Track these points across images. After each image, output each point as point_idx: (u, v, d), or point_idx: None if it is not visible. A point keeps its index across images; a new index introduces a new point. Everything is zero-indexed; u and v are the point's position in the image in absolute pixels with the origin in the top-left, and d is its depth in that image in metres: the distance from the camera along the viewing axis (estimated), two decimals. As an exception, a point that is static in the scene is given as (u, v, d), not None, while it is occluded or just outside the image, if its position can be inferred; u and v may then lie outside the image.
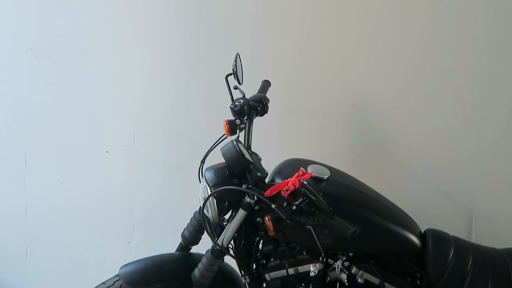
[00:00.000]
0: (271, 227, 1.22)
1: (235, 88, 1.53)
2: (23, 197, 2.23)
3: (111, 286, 1.43)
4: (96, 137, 2.17)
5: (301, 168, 1.29)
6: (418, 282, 1.34)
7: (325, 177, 1.36)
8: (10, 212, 2.25)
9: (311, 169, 1.36)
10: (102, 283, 1.47)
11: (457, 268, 1.28)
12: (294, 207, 1.17)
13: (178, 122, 2.13)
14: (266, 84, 1.67)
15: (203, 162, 1.52)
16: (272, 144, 1.96)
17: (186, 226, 1.59)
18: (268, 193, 1.23)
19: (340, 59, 1.95)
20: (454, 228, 1.81)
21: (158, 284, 1.46)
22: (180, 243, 1.60)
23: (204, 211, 1.37)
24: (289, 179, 1.22)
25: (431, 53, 1.86)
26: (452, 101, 1.87)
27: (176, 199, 2.16)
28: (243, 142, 1.46)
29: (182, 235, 1.59)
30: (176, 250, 1.60)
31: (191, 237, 1.57)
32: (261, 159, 1.48)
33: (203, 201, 1.31)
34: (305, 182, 1.15)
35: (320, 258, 1.29)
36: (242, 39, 1.99)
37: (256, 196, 1.26)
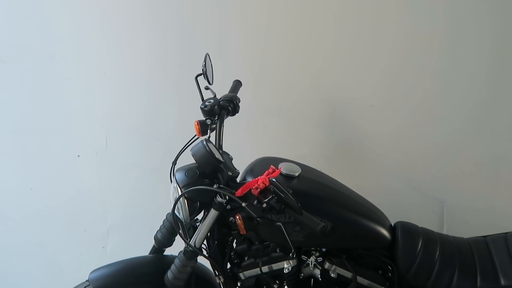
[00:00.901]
0: (242, 226, 1.22)
1: (206, 88, 1.52)
2: (-10, 203, 2.16)
3: (82, 292, 1.41)
4: (67, 142, 2.12)
5: (272, 166, 1.29)
6: (389, 274, 1.36)
7: (296, 174, 1.37)
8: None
9: (282, 167, 1.37)
10: (74, 288, 1.44)
11: (425, 259, 1.30)
12: (264, 205, 1.17)
13: (151, 124, 2.11)
14: (237, 84, 1.67)
15: (174, 163, 1.51)
16: (246, 144, 1.97)
17: (158, 228, 1.58)
18: (239, 192, 1.23)
19: (312, 58, 1.97)
20: (426, 220, 1.86)
21: (130, 287, 1.44)
22: (153, 246, 1.58)
23: (176, 212, 1.35)
24: (259, 177, 1.22)
25: (400, 52, 1.91)
26: (421, 97, 1.92)
27: (151, 202, 2.13)
28: (214, 142, 1.46)
29: (155, 238, 1.57)
30: (150, 253, 1.58)
31: (164, 239, 1.55)
32: (232, 159, 1.48)
33: (174, 202, 1.30)
34: (273, 179, 1.15)
35: (291, 254, 1.29)
36: (214, 39, 1.99)
37: (227, 196, 1.26)
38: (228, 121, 1.82)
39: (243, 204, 1.19)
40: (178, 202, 1.32)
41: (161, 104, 2.08)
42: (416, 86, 1.91)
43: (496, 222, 1.48)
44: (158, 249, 1.58)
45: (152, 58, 2.03)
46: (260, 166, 1.39)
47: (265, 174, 1.25)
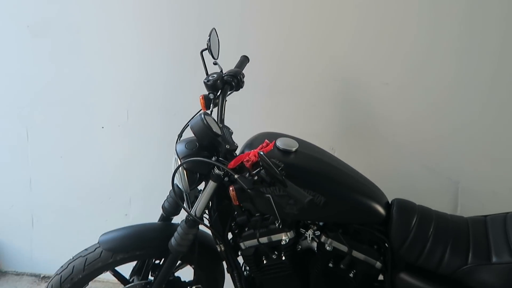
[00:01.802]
0: (235, 197, 1.27)
1: (215, 63, 1.55)
2: (27, 170, 2.36)
3: (91, 252, 1.53)
4: (92, 114, 2.25)
5: (266, 140, 1.32)
6: (383, 249, 1.37)
7: (293, 149, 1.38)
8: (16, 184, 2.38)
9: (279, 142, 1.39)
10: (85, 249, 1.56)
11: (418, 235, 1.30)
12: (256, 177, 1.21)
13: (170, 99, 2.18)
14: (244, 60, 1.69)
15: (180, 136, 1.57)
16: (260, 122, 1.99)
17: (166, 198, 1.67)
18: (231, 164, 1.27)
19: (326, 35, 1.93)
20: (440, 202, 1.84)
21: (137, 251, 1.54)
22: (162, 214, 1.68)
23: (177, 182, 1.42)
24: (252, 150, 1.25)
25: (416, 29, 1.82)
26: (437, 75, 1.84)
27: (169, 173, 2.21)
28: (216, 116, 1.50)
29: (163, 207, 1.66)
30: (158, 221, 1.68)
31: (171, 208, 1.64)
32: (232, 133, 1.51)
33: (173, 172, 1.36)
34: (261, 153, 1.18)
35: (277, 225, 1.32)
36: (231, 16, 1.99)
37: (221, 167, 1.31)
38: (241, 98, 1.86)
39: (236, 176, 1.23)
40: (178, 173, 1.39)
41: (179, 80, 2.14)
42: (432, 64, 1.83)
43: (513, 205, 1.43)
44: (166, 218, 1.68)
45: (173, 36, 2.08)
46: (259, 140, 1.41)
47: (259, 148, 1.29)
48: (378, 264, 1.36)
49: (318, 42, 1.94)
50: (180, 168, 1.37)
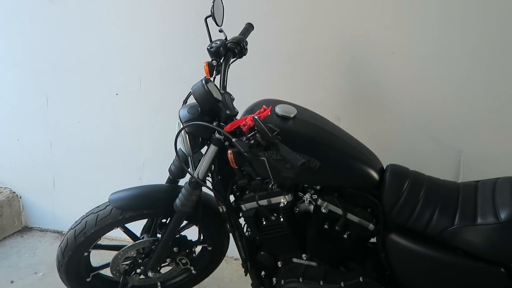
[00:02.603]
0: (233, 160, 1.33)
1: (220, 31, 1.58)
2: (47, 134, 2.50)
3: (102, 209, 1.64)
4: (106, 81, 2.33)
5: (264, 106, 1.36)
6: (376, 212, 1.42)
7: (292, 115, 1.43)
8: (37, 147, 2.54)
9: (278, 108, 1.43)
10: (96, 207, 1.68)
11: (409, 198, 1.35)
12: (252, 141, 1.27)
13: (181, 67, 2.22)
14: (248, 27, 1.71)
15: (185, 102, 1.63)
16: (265, 91, 2.00)
17: (172, 162, 1.75)
18: (227, 128, 1.33)
19: (333, 4, 1.92)
20: (442, 169, 1.86)
21: (145, 210, 1.65)
22: (169, 177, 1.77)
23: (180, 146, 1.50)
24: (249, 115, 1.30)
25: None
26: (444, 45, 1.81)
27: (179, 140, 2.31)
28: (219, 83, 1.55)
29: (169, 170, 1.75)
30: (165, 183, 1.78)
31: (177, 171, 1.73)
32: (234, 99, 1.56)
33: (175, 136, 1.43)
34: (256, 117, 1.23)
35: (270, 186, 1.37)
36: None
37: (221, 132, 1.37)
38: (248, 67, 1.90)
39: (233, 140, 1.29)
40: (181, 136, 1.46)
41: (191, 48, 2.17)
42: (438, 34, 1.80)
43: (516, 171, 1.43)
44: (172, 180, 1.77)
45: (185, 3, 2.10)
46: (259, 106, 1.45)
47: (256, 113, 1.33)
48: (371, 226, 1.42)
49: (325, 11, 1.93)
50: (182, 132, 1.44)
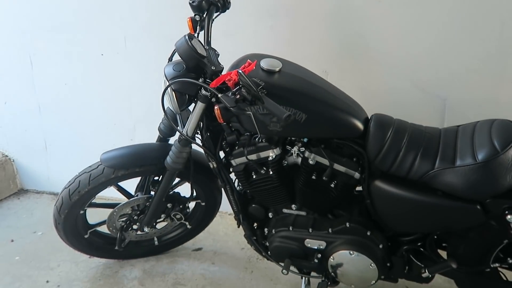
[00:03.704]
0: (219, 115, 1.35)
1: None
2: (34, 97, 2.48)
3: (95, 169, 1.68)
4: (91, 41, 2.28)
5: (248, 60, 1.36)
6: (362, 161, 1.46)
7: (277, 69, 1.43)
8: (26, 110, 2.52)
9: (263, 62, 1.43)
10: (89, 166, 1.72)
11: (392, 145, 1.38)
12: (238, 96, 1.27)
13: (165, 25, 2.17)
14: (230, -21, 1.66)
15: (170, 59, 1.62)
16: (251, 46, 1.98)
17: (161, 120, 1.76)
18: (213, 84, 1.33)
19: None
20: (427, 117, 1.89)
21: (136, 168, 1.69)
22: (159, 136, 1.79)
23: (168, 104, 1.50)
24: (233, 70, 1.30)
25: None
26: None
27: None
28: (203, 38, 1.53)
29: (159, 129, 1.77)
30: (156, 142, 1.80)
31: (166, 129, 1.75)
32: (219, 55, 1.55)
33: (162, 93, 1.43)
34: (240, 71, 1.23)
35: (258, 139, 1.39)
36: None
37: (208, 88, 1.37)
38: (234, 22, 1.85)
39: (219, 95, 1.30)
40: (168, 94, 1.46)
41: (175, 4, 2.11)
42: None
43: (499, 116, 1.46)
44: (162, 139, 1.79)
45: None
46: (244, 61, 1.45)
47: (241, 67, 1.33)
48: (357, 175, 1.47)
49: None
50: (168, 89, 1.44)
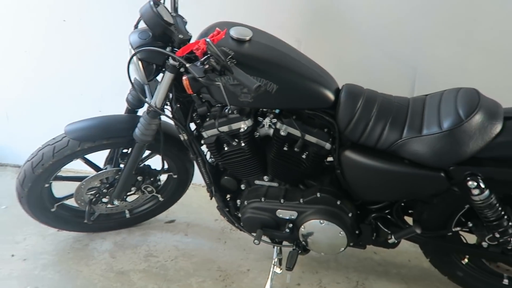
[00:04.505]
0: (188, 86, 1.30)
1: None
2: (-8, 65, 2.33)
3: (59, 141, 1.62)
4: (51, 6, 2.14)
5: (217, 28, 1.31)
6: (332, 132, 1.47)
7: (247, 38, 1.39)
8: (-16, 80, 2.38)
9: (233, 31, 1.38)
10: (52, 138, 1.65)
11: (362, 115, 1.39)
12: (207, 66, 1.23)
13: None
14: None
15: (135, 27, 1.54)
16: (221, 14, 1.91)
17: (129, 91, 1.70)
18: (179, 52, 1.28)
19: None
20: (398, 86, 1.90)
21: (104, 141, 1.64)
22: (127, 107, 1.73)
23: (135, 74, 1.44)
24: (201, 39, 1.25)
25: None
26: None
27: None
28: (171, 5, 1.46)
29: (127, 99, 1.71)
30: (124, 113, 1.74)
31: (135, 100, 1.69)
32: (186, 22, 1.49)
33: (127, 63, 1.37)
34: (208, 40, 1.18)
35: (227, 110, 1.37)
36: None
37: (176, 58, 1.32)
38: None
39: (187, 65, 1.25)
40: (134, 63, 1.40)
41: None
42: None
43: (467, 84, 1.49)
44: (131, 110, 1.74)
45: None
46: (213, 30, 1.39)
47: (209, 36, 1.28)
48: (328, 145, 1.47)
49: None
50: (134, 59, 1.38)
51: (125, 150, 1.74)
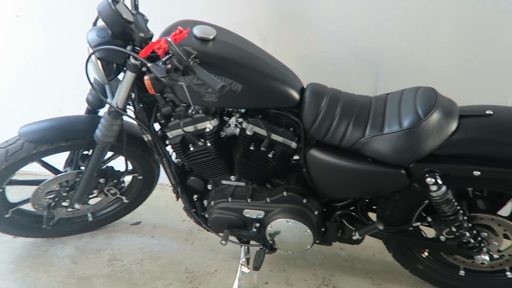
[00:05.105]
0: (150, 86, 1.27)
1: None
2: None
3: (12, 144, 1.54)
4: (3, 2, 2.04)
5: (179, 27, 1.28)
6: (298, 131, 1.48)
7: (211, 37, 1.37)
8: None
9: (196, 30, 1.36)
10: (5, 141, 1.56)
11: (327, 114, 1.41)
12: (169, 66, 1.21)
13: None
14: None
15: (94, 24, 1.49)
16: (185, 11, 1.88)
17: (89, 91, 1.64)
18: (142, 53, 1.24)
19: None
20: (362, 85, 1.95)
21: (62, 143, 1.57)
22: (87, 107, 1.67)
23: (94, 73, 1.39)
24: (163, 38, 1.22)
25: None
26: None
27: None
28: (130, 3, 1.41)
29: (87, 100, 1.65)
30: (84, 114, 1.68)
31: (95, 100, 1.64)
32: (147, 20, 1.45)
33: (85, 62, 1.32)
34: (169, 39, 1.16)
35: (190, 111, 1.35)
36: None
37: (136, 57, 1.28)
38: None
39: (149, 65, 1.22)
40: (92, 63, 1.35)
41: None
42: None
43: (426, 83, 1.53)
44: (91, 110, 1.68)
45: None
46: (175, 28, 1.36)
47: (171, 35, 1.25)
48: (294, 144, 1.48)
49: None
50: (93, 58, 1.33)
51: (85, 152, 1.67)
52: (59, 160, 1.74)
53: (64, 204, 1.73)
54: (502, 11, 1.76)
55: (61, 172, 1.69)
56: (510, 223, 1.46)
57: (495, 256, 1.54)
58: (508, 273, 1.57)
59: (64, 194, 1.70)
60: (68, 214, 1.80)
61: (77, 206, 1.72)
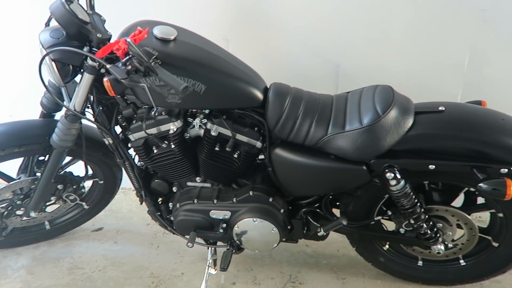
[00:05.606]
0: (110, 88, 1.23)
1: None
2: None
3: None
4: None
5: (139, 28, 1.25)
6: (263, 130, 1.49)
7: (172, 37, 1.35)
8: None
9: (156, 30, 1.34)
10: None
11: (290, 114, 1.43)
12: (129, 67, 1.18)
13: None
14: None
15: (47, 25, 1.43)
16: (144, 11, 1.85)
17: (43, 94, 1.57)
18: (99, 53, 1.21)
19: None
20: (322, 83, 1.99)
21: (15, 149, 1.49)
22: (42, 111, 1.60)
23: (48, 76, 1.33)
24: (122, 38, 1.19)
25: None
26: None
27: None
28: (85, 2, 1.37)
29: (41, 103, 1.58)
30: (39, 118, 1.61)
31: (50, 104, 1.57)
32: (105, 21, 1.41)
33: (39, 64, 1.26)
34: (128, 39, 1.13)
35: (153, 113, 1.32)
36: None
37: (94, 58, 1.24)
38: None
39: (107, 66, 1.18)
40: (46, 65, 1.29)
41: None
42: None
43: (384, 81, 1.59)
44: (47, 114, 1.61)
45: None
46: (135, 29, 1.33)
47: (131, 36, 1.22)
48: (259, 144, 1.49)
49: None
50: (47, 59, 1.27)
51: (41, 158, 1.59)
52: (12, 167, 1.66)
53: (19, 212, 1.64)
54: (452, 12, 1.86)
55: (14, 180, 1.60)
56: (463, 214, 1.54)
57: (450, 245, 1.62)
58: (461, 261, 1.66)
59: (18, 202, 1.62)
60: (23, 223, 1.71)
61: (33, 214, 1.64)
